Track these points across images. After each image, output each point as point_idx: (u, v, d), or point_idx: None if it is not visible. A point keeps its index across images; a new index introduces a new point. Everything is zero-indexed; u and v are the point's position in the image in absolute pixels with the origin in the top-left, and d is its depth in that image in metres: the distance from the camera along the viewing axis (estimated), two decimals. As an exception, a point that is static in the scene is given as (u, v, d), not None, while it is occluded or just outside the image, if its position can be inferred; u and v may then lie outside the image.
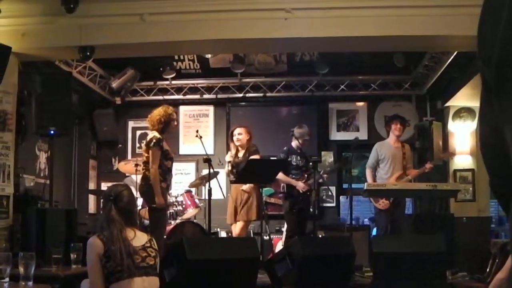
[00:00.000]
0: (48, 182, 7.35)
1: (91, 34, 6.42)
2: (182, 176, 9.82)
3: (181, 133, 10.03)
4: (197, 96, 10.05)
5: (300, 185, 7.41)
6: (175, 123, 6.51)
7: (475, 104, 8.46)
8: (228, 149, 7.96)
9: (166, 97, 9.90)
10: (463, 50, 7.20)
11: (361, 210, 10.65)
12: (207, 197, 6.48)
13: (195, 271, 4.47)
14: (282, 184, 7.73)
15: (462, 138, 9.01)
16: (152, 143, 6.08)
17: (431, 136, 8.21)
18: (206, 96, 10.02)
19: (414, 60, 9.16)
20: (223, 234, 8.42)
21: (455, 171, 9.02)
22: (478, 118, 1.00)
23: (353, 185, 7.49)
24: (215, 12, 6.39)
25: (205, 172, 7.66)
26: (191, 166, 9.99)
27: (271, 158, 7.92)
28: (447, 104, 9.03)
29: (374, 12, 6.29)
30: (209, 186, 6.48)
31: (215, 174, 6.98)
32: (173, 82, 9.86)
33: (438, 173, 8.24)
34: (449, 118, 9.04)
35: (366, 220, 9.88)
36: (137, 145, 10.08)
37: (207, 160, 6.52)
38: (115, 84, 9.24)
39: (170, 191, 7.05)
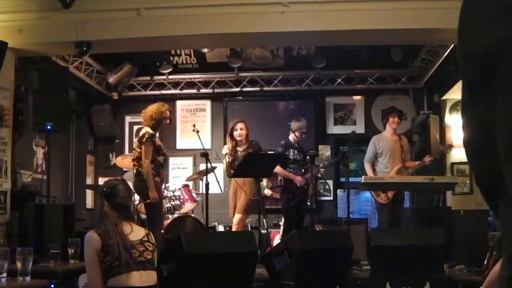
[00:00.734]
0: (45, 177, 7.36)
1: (88, 29, 6.41)
2: (179, 171, 9.83)
3: (178, 127, 10.03)
4: (194, 91, 10.04)
5: (298, 179, 7.40)
6: (168, 121, 6.49)
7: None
8: (225, 143, 7.95)
9: (163, 92, 9.90)
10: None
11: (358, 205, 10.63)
12: (204, 192, 6.48)
13: (193, 265, 4.49)
14: (279, 178, 7.72)
15: (459, 131, 9.00)
16: (145, 139, 6.11)
17: (428, 130, 8.21)
18: (203, 90, 10.01)
19: (411, 53, 9.16)
20: (221, 228, 8.43)
21: (453, 164, 9.04)
22: (461, 114, 0.97)
23: (351, 179, 7.50)
24: (211, 7, 6.38)
25: (202, 166, 7.67)
26: (188, 161, 9.99)
27: (269, 152, 7.92)
28: (444, 98, 9.04)
29: (370, 6, 6.29)
30: (207, 180, 6.49)
31: (213, 168, 6.98)
32: (170, 76, 9.83)
33: (435, 166, 8.24)
34: (446, 111, 9.05)
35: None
36: (134, 140, 10.04)
37: (205, 155, 6.54)
38: (112, 79, 9.22)
39: (167, 185, 7.03)
